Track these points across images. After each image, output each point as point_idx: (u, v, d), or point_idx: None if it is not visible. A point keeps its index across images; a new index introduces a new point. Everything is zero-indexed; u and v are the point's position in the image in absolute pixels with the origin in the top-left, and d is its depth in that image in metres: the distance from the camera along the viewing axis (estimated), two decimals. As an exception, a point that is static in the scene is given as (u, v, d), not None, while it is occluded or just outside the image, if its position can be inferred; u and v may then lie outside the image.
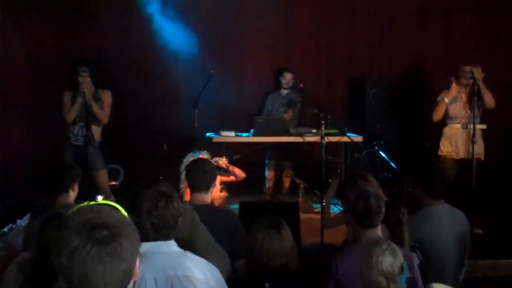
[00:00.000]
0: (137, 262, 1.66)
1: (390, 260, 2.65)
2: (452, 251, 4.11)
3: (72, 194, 4.46)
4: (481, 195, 6.36)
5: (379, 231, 3.27)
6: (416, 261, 3.52)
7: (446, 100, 6.70)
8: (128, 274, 1.62)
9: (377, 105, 8.25)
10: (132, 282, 1.67)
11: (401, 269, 2.65)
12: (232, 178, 6.24)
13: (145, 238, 2.53)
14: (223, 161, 6.19)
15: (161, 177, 7.31)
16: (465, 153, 6.67)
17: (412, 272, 3.13)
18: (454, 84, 6.66)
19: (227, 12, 8.23)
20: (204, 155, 5.94)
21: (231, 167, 6.22)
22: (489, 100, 6.57)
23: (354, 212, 3.26)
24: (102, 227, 1.58)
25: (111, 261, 1.57)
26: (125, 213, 1.73)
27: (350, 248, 3.48)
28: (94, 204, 1.74)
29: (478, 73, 6.47)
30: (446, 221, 4.16)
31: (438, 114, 6.80)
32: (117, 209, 1.74)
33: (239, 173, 6.27)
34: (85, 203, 1.79)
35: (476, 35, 8.68)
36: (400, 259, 2.68)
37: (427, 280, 3.49)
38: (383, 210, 3.25)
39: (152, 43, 7.95)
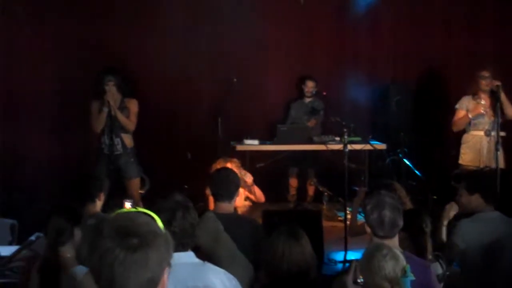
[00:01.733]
0: (165, 274, 1.69)
1: (392, 264, 2.70)
2: (502, 260, 4.06)
3: (99, 204, 4.53)
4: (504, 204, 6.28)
5: (395, 242, 3.28)
6: (437, 270, 3.52)
7: (470, 116, 6.56)
8: (153, 284, 1.66)
9: (401, 112, 8.23)
10: None
11: (404, 272, 2.69)
12: (252, 196, 6.28)
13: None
14: (249, 177, 6.22)
15: (185, 186, 7.41)
16: (488, 161, 6.47)
17: (427, 281, 3.15)
18: (482, 101, 6.53)
19: (250, 21, 8.26)
20: (233, 163, 5.99)
21: (254, 187, 6.25)
22: (509, 111, 6.44)
23: (369, 222, 3.29)
24: (133, 234, 1.63)
25: (136, 269, 1.61)
26: (161, 225, 1.77)
27: None
28: (132, 212, 1.81)
29: (498, 82, 6.37)
30: (499, 227, 4.16)
31: (459, 127, 6.70)
32: (153, 219, 1.78)
33: (259, 195, 6.29)
34: (126, 210, 1.85)
35: (501, 39, 8.60)
36: (402, 262, 2.73)
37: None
38: (399, 222, 3.26)
39: (176, 50, 8.03)
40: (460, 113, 6.67)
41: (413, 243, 3.56)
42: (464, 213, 4.37)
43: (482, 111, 6.52)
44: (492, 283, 4.06)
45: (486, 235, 4.09)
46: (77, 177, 5.29)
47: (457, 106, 6.74)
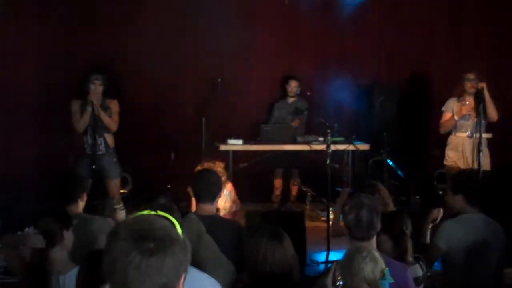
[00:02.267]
0: (182, 280, 1.67)
1: (371, 266, 2.73)
2: (486, 261, 4.11)
3: (81, 204, 4.51)
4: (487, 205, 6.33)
5: (372, 244, 3.29)
6: (418, 272, 3.55)
7: (456, 118, 6.60)
8: None
9: (384, 113, 8.27)
10: None
11: (383, 274, 2.73)
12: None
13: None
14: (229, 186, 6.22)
15: (168, 186, 7.40)
16: (472, 163, 6.52)
17: (405, 283, 3.18)
18: (467, 103, 6.56)
19: (234, 21, 8.26)
20: (217, 167, 5.97)
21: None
22: (492, 113, 6.49)
23: (346, 222, 3.31)
24: (149, 239, 1.60)
25: (150, 274, 1.59)
26: (179, 230, 1.74)
27: None
28: (151, 215, 1.79)
29: (483, 84, 6.41)
30: (482, 229, 4.18)
31: (446, 129, 6.74)
32: (172, 224, 1.75)
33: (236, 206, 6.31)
34: (145, 212, 1.85)
35: (484, 41, 8.68)
36: (381, 264, 2.77)
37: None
38: (377, 224, 3.28)
39: (161, 51, 8.02)
40: (447, 115, 6.73)
41: (394, 245, 3.58)
42: (451, 214, 4.40)
43: (467, 113, 6.56)
44: (474, 284, 4.09)
45: (469, 237, 4.11)
46: (60, 178, 5.26)
47: (443, 108, 6.80)
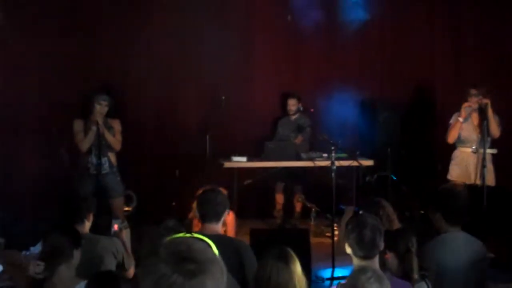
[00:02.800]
0: None
1: (376, 286, 2.74)
2: (467, 280, 4.05)
3: (87, 224, 4.53)
4: (492, 220, 6.32)
5: (375, 263, 3.30)
6: None
7: (461, 119, 6.60)
8: None
9: (388, 129, 8.29)
10: None
11: None
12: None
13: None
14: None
15: (173, 203, 7.42)
16: (476, 178, 6.53)
17: None
18: (465, 104, 6.57)
19: (236, 38, 8.31)
20: None
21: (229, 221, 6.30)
22: (494, 130, 6.51)
23: (349, 241, 3.30)
24: (190, 261, 1.62)
25: None
26: (216, 251, 1.78)
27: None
28: (187, 237, 1.85)
29: (487, 101, 6.42)
30: (462, 249, 4.09)
31: (453, 135, 6.71)
32: (209, 245, 1.81)
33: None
34: (181, 235, 1.85)
35: (485, 55, 8.72)
36: (386, 285, 2.77)
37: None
38: (379, 243, 3.28)
39: (164, 69, 8.06)
40: (455, 123, 6.72)
41: (400, 263, 3.58)
42: (433, 232, 4.34)
43: (469, 108, 6.56)
44: None
45: (450, 256, 4.03)
46: (66, 198, 5.28)
47: (450, 121, 6.80)
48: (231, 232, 6.32)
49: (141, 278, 1.69)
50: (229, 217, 6.25)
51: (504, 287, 5.45)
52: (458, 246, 4.11)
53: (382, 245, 3.29)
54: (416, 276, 3.60)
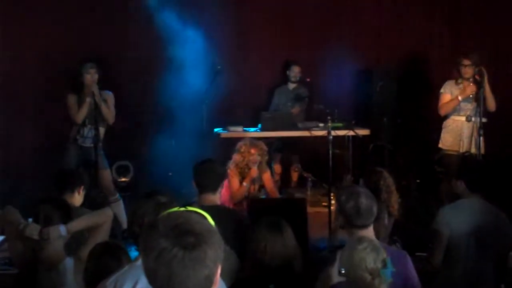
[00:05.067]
0: (219, 271, 1.72)
1: (373, 256, 2.76)
2: (486, 246, 4.11)
3: (78, 198, 4.53)
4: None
5: (371, 232, 3.31)
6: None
7: (460, 98, 6.47)
8: (209, 281, 1.68)
9: (384, 98, 8.26)
10: None
11: (384, 263, 2.76)
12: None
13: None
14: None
15: (170, 173, 7.42)
16: (469, 147, 6.45)
17: (406, 270, 3.22)
18: (471, 84, 6.42)
19: (231, 7, 8.23)
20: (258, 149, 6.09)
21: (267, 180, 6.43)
22: (491, 104, 6.44)
23: (345, 211, 3.30)
24: (189, 233, 1.65)
25: (194, 267, 1.63)
26: (212, 222, 1.81)
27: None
28: (183, 211, 1.88)
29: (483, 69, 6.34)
30: (482, 215, 4.17)
31: (447, 110, 6.62)
32: (205, 217, 1.82)
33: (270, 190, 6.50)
34: (175, 209, 1.94)
35: (483, 23, 8.65)
36: (382, 254, 2.79)
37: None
38: (375, 209, 3.30)
39: (156, 40, 7.99)
40: (446, 97, 6.61)
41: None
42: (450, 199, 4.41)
43: (471, 93, 6.45)
44: (475, 269, 4.11)
45: (468, 222, 4.11)
46: (56, 169, 5.29)
47: (441, 90, 6.69)
48: (272, 191, 6.47)
49: (142, 255, 1.71)
50: (266, 175, 6.31)
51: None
52: (477, 211, 4.18)
53: (376, 211, 3.31)
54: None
